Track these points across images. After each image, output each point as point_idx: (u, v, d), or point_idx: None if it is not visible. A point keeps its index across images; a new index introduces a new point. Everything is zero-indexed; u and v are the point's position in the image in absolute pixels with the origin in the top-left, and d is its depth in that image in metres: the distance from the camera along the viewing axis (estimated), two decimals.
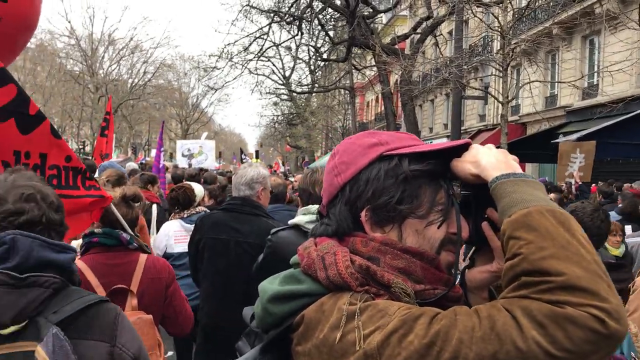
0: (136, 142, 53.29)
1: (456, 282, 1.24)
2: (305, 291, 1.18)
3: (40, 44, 39.13)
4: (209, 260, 3.82)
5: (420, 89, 18.50)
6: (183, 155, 16.76)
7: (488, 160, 1.16)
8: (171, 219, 5.45)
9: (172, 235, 5.18)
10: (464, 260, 1.37)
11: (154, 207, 6.18)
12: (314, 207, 3.13)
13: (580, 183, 10.06)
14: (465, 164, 1.19)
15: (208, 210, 5.14)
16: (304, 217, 3.11)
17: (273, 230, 3.23)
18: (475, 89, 16.05)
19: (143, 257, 2.92)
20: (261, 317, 1.24)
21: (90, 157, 8.82)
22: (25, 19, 10.30)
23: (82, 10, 60.94)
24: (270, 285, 1.24)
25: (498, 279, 1.27)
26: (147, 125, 54.99)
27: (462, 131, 17.19)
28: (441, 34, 17.65)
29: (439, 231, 1.22)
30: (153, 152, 44.14)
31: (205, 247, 3.84)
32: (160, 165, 11.22)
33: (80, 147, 41.59)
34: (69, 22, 40.24)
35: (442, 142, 1.28)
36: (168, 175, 10.56)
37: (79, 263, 2.70)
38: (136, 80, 44.42)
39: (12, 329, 1.54)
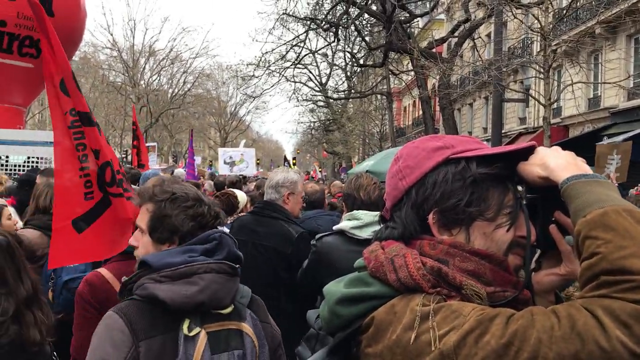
0: (177, 150, 54.24)
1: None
2: (374, 293, 1.19)
3: (84, 57, 40.23)
4: None
5: (458, 92, 18.27)
6: (225, 163, 17.07)
7: (557, 162, 1.16)
8: None
9: None
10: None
11: None
12: (359, 213, 3.12)
13: (616, 184, 9.84)
14: (533, 167, 1.19)
15: None
16: (349, 222, 3.10)
17: (318, 236, 3.24)
18: (516, 91, 15.78)
19: None
20: (328, 320, 1.25)
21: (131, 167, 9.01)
22: (71, 33, 10.66)
23: (123, 23, 62.50)
24: (336, 287, 1.26)
25: (565, 282, 1.27)
26: (187, 134, 55.80)
27: (502, 134, 16.91)
28: (479, 37, 17.39)
29: (507, 234, 1.22)
30: None
31: None
32: (195, 173, 11.40)
33: (123, 155, 42.52)
34: (111, 34, 41.37)
35: (508, 145, 1.28)
36: (209, 182, 10.72)
37: (104, 272, 2.74)
38: (176, 90, 45.21)
39: (229, 309, 1.88)
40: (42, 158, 9.11)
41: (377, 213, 3.14)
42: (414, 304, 1.12)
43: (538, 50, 16.40)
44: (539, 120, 18.53)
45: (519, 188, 1.27)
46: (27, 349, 2.17)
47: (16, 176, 8.77)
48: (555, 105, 18.20)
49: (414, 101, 37.59)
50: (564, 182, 1.11)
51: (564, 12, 13.59)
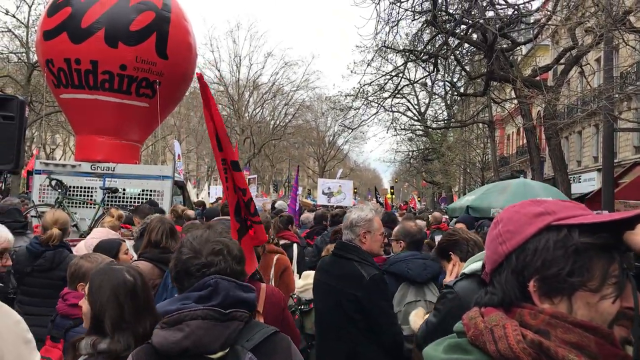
0: (277, 179, 55.78)
1: None
2: None
3: (193, 92, 42.59)
4: (314, 303, 4.06)
5: (566, 121, 17.41)
6: (323, 193, 17.42)
7: None
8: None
9: None
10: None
11: (295, 246, 6.40)
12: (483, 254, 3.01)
13: None
14: None
15: None
16: (479, 264, 2.94)
17: (451, 282, 3.11)
18: (629, 121, 14.80)
19: (263, 285, 3.53)
20: None
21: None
22: (184, 73, 11.32)
23: (230, 59, 65.69)
24: (435, 352, 1.28)
25: None
26: (287, 163, 57.43)
27: (615, 164, 15.89)
28: (587, 63, 16.58)
29: (613, 306, 1.19)
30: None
31: (314, 290, 4.06)
32: (297, 208, 11.71)
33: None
34: (219, 70, 43.69)
35: (613, 213, 1.25)
36: (309, 215, 10.92)
37: None
38: (277, 122, 46.68)
39: (219, 354, 1.93)
40: (154, 190, 9.72)
41: None
42: None
43: None
44: None
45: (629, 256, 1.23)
46: None
47: (131, 207, 9.42)
48: None
49: (518, 129, 36.33)
50: None
51: None
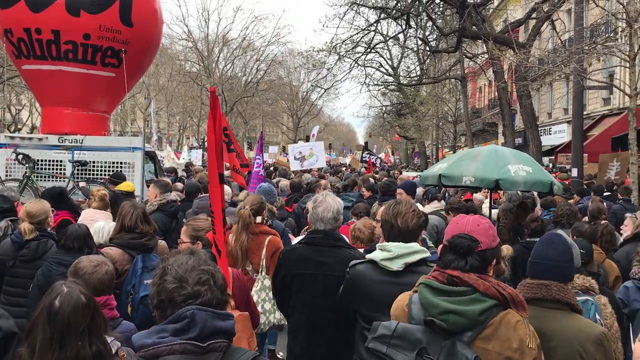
0: (251, 136, 55.35)
1: None
2: None
3: (162, 48, 41.64)
4: (298, 294, 3.89)
5: (537, 74, 17.50)
6: (295, 159, 17.37)
7: None
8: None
9: None
10: None
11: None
12: (390, 245, 3.17)
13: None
14: None
15: None
16: (380, 253, 3.17)
17: (352, 263, 3.32)
18: (598, 81, 14.93)
19: (231, 269, 3.73)
20: None
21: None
22: (150, 40, 10.97)
23: (198, 14, 64.08)
24: None
25: None
26: (260, 119, 56.94)
27: (584, 116, 16.09)
28: (558, 18, 16.55)
29: None
30: (270, 149, 45.30)
31: (293, 282, 3.92)
32: (261, 174, 10.33)
33: (201, 142, 43.82)
34: (186, 26, 42.66)
35: None
36: (285, 182, 10.82)
37: None
38: (249, 78, 45.95)
39: None
40: (124, 162, 9.55)
41: (409, 245, 3.17)
42: None
43: (621, 32, 15.41)
44: (625, 100, 17.48)
45: None
46: None
47: (101, 181, 9.27)
48: None
49: (490, 82, 36.39)
50: None
51: None
